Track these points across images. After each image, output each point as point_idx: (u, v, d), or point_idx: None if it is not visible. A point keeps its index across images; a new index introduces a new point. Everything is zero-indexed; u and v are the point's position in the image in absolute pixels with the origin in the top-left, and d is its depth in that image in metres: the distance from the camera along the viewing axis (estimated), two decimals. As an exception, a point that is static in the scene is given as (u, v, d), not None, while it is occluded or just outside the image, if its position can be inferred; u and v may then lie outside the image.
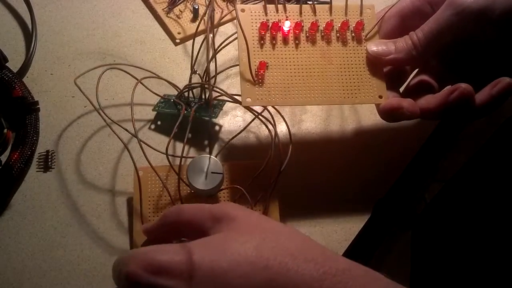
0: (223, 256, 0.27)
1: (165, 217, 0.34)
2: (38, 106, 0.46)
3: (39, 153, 0.45)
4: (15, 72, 0.48)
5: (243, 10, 0.41)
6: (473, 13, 0.37)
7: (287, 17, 0.42)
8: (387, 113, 0.40)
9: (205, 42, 0.47)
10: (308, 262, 0.27)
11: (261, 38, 0.41)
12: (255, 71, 0.40)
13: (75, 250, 0.41)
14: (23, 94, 0.46)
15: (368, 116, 0.50)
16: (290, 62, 0.41)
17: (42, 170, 0.44)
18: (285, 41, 0.41)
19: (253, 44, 0.41)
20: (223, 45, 0.44)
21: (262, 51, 0.41)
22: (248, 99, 0.39)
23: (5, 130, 0.44)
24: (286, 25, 0.41)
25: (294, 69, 0.41)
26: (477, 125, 0.41)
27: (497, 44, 0.39)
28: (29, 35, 0.52)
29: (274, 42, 0.41)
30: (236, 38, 0.41)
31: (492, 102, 0.38)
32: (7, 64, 0.47)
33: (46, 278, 0.39)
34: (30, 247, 0.41)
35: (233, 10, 0.52)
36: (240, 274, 0.26)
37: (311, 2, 0.42)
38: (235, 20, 0.54)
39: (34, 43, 0.51)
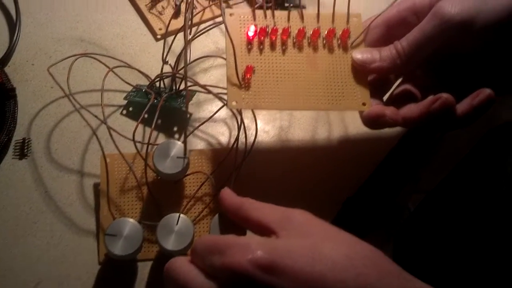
0: (317, 261, 0.30)
1: (240, 208, 0.37)
2: (15, 93, 0.49)
3: (15, 140, 0.48)
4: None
5: (231, 15, 0.45)
6: (457, 24, 0.40)
7: (275, 23, 0.45)
8: (370, 120, 0.43)
9: (180, 36, 0.50)
10: (389, 274, 0.31)
11: (249, 43, 0.44)
12: (242, 75, 0.43)
13: (45, 237, 0.44)
14: (2, 81, 0.49)
15: (343, 117, 0.53)
16: (276, 67, 0.44)
17: (18, 157, 0.47)
18: (272, 46, 0.44)
19: (241, 48, 0.44)
20: (195, 36, 0.48)
21: (249, 55, 0.44)
22: (234, 102, 0.42)
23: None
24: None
25: (281, 74, 0.44)
26: (462, 135, 0.45)
27: (479, 55, 0.42)
28: (13, 26, 0.55)
29: (261, 47, 0.44)
30: (207, 30, 0.46)
31: (473, 113, 0.41)
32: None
33: (15, 263, 0.43)
34: (2, 232, 0.44)
35: (212, 5, 0.56)
36: (339, 279, 0.30)
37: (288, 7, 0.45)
38: (216, 19, 0.58)
39: (18, 33, 0.54)
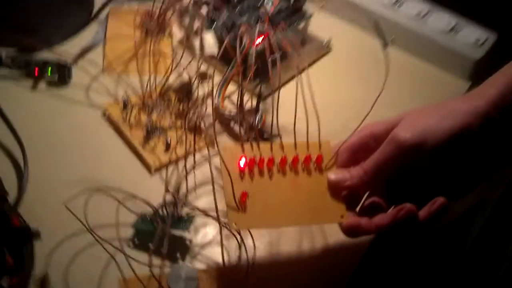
0: None
1: None
2: (33, 238, 0.54)
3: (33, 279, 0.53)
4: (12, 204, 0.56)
5: (224, 149, 0.53)
6: (410, 146, 0.50)
7: (260, 153, 0.53)
8: (348, 231, 0.52)
9: (176, 169, 0.60)
10: None
11: (241, 172, 0.52)
12: (238, 200, 0.50)
13: None
14: (20, 225, 0.54)
15: (323, 228, 0.61)
16: (266, 191, 0.52)
17: (37, 295, 0.52)
18: (261, 173, 0.53)
19: (234, 177, 0.52)
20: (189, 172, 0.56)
21: (242, 182, 0.52)
22: (235, 224, 0.50)
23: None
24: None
25: (270, 196, 0.52)
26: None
27: (431, 170, 0.52)
28: (20, 172, 0.61)
29: (251, 175, 0.53)
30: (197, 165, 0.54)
31: (432, 218, 0.50)
32: (5, 197, 0.56)
33: None
34: None
35: (196, 141, 0.65)
36: None
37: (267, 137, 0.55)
38: (203, 151, 0.66)
39: (25, 177, 0.60)
